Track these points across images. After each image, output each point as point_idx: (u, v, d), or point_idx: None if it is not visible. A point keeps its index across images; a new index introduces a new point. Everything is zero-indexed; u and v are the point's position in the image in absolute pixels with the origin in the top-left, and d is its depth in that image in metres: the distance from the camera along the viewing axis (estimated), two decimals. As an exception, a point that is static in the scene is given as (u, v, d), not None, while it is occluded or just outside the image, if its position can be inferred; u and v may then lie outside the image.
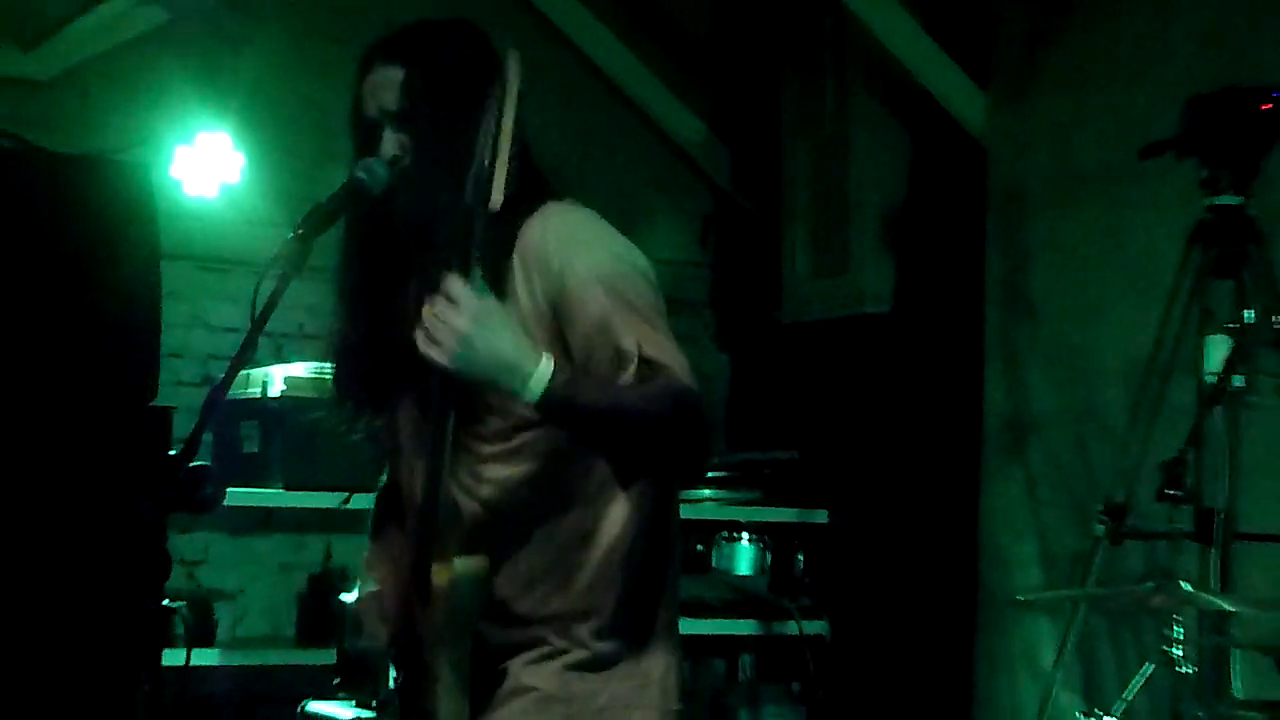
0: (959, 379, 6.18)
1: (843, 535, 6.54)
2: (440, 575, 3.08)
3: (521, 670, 3.15)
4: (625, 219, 6.58)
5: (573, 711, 3.12)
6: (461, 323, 2.85)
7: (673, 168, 7.11)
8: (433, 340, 2.87)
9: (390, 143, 3.16)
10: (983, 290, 6.16)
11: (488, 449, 3.14)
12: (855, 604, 6.46)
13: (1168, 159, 4.88)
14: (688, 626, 6.07)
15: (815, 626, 6.49)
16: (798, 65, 6.91)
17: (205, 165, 5.81)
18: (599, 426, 3.04)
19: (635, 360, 3.01)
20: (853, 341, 6.64)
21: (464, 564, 3.07)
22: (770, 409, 7.00)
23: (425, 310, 2.91)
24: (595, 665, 3.13)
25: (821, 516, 6.57)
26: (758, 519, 6.53)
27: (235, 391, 5.82)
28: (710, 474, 6.45)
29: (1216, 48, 5.36)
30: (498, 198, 2.88)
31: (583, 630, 3.14)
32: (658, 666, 3.18)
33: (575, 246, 3.12)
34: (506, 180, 2.89)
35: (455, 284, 2.86)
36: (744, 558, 6.50)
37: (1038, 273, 6.03)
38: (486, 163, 2.91)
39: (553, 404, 2.92)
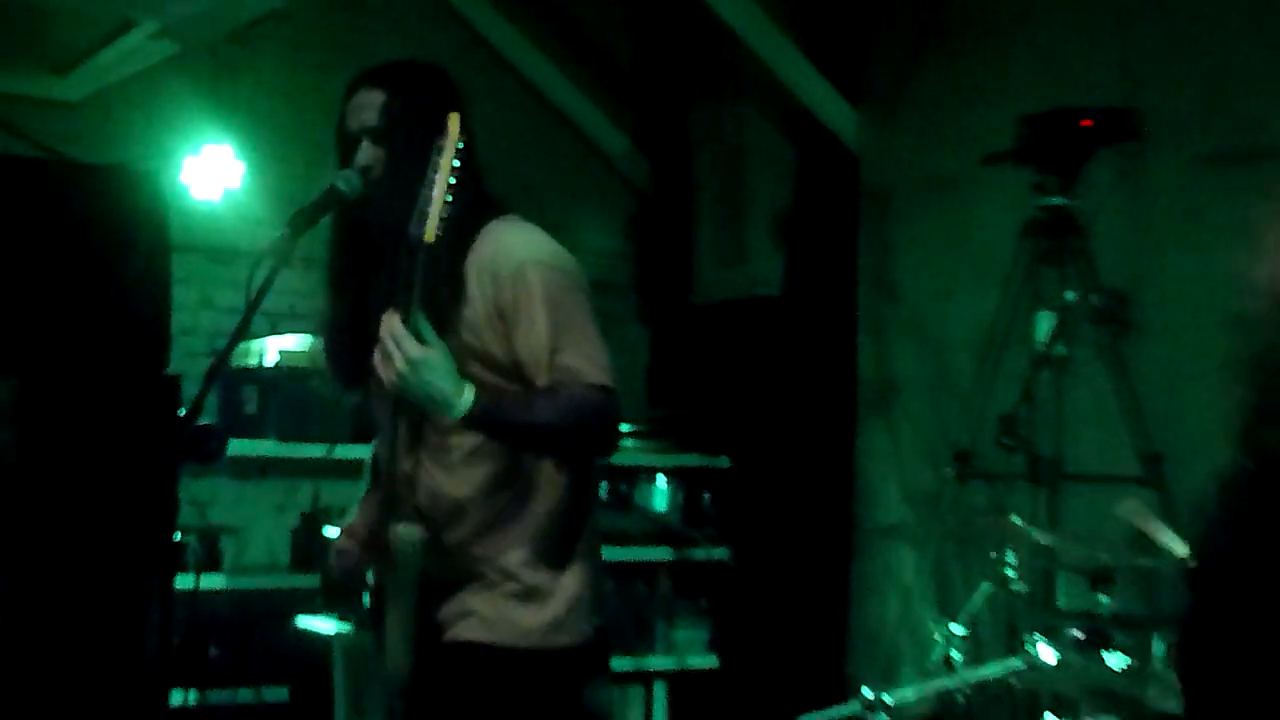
0: (836, 349, 6.21)
1: (742, 477, 6.53)
2: (394, 536, 3.13)
3: (468, 598, 3.16)
4: (564, 218, 6.65)
5: (509, 630, 3.14)
6: (399, 363, 2.90)
7: (602, 175, 7.09)
8: (381, 365, 2.94)
9: (366, 154, 3.16)
10: (855, 276, 6.21)
11: (449, 424, 3.16)
12: (753, 534, 6.45)
13: (1006, 167, 4.94)
14: (615, 554, 6.15)
15: (720, 553, 6.50)
16: (703, 90, 6.93)
17: (210, 173, 5.78)
18: (515, 436, 3.09)
19: (560, 367, 3.05)
20: (749, 319, 6.63)
21: (407, 530, 3.11)
22: (683, 374, 6.98)
23: (381, 331, 2.97)
24: (526, 595, 3.14)
25: (724, 462, 6.55)
26: (672, 464, 6.52)
27: (237, 361, 5.81)
28: (634, 428, 6.47)
29: (1046, 77, 5.39)
30: (432, 235, 2.90)
31: (517, 568, 3.15)
32: (576, 594, 3.20)
33: (519, 261, 3.13)
34: (441, 211, 2.92)
35: (396, 327, 2.91)
36: (660, 496, 6.51)
37: (900, 262, 6.07)
38: (426, 204, 2.94)
39: (473, 424, 2.99)
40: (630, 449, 6.43)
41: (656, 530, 6.46)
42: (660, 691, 6.55)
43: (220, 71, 6.12)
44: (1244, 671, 2.07)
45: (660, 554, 6.48)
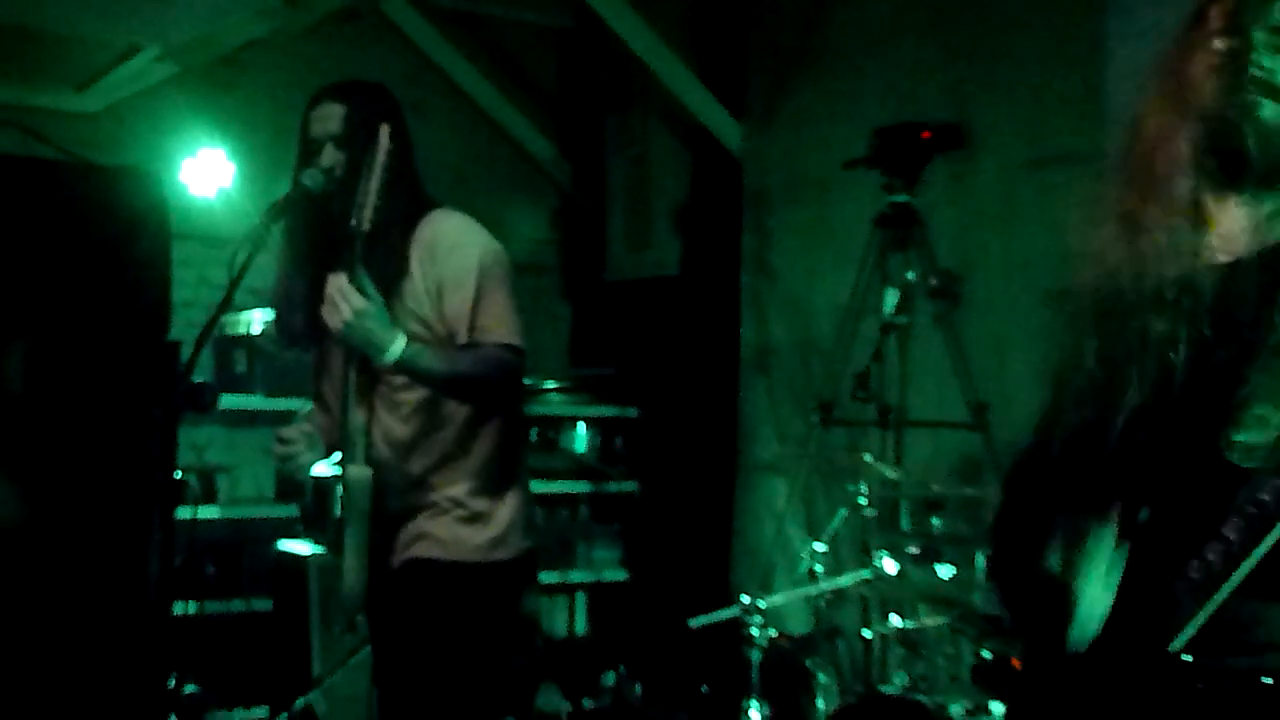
0: (724, 319, 6.19)
1: (648, 424, 6.54)
2: (348, 476, 3.11)
3: (423, 524, 3.18)
4: (499, 211, 6.63)
5: (459, 548, 3.16)
6: (346, 310, 2.91)
7: (531, 176, 7.05)
8: (330, 312, 2.94)
9: (330, 157, 3.16)
10: (739, 260, 6.19)
11: (398, 380, 3.16)
12: (656, 471, 6.47)
13: (861, 170, 4.95)
14: (543, 487, 6.15)
15: (629, 486, 6.52)
16: (615, 106, 6.91)
17: (206, 173, 5.69)
18: (436, 381, 3.11)
19: (478, 328, 3.11)
20: (653, 295, 6.63)
21: (357, 472, 3.10)
22: (599, 340, 6.98)
23: (328, 288, 2.96)
24: (471, 519, 3.16)
25: (633, 412, 6.55)
26: (590, 414, 6.51)
27: (229, 329, 5.76)
28: (559, 384, 6.48)
29: (892, 96, 5.39)
30: (367, 224, 2.99)
31: (464, 497, 3.17)
32: (512, 518, 3.21)
33: (452, 243, 3.16)
34: (375, 205, 3.00)
35: (343, 284, 2.97)
36: (581, 440, 6.52)
37: (775, 248, 6.06)
38: (363, 199, 2.97)
39: (401, 369, 3.04)
40: (555, 401, 6.44)
41: (577, 468, 6.47)
42: (581, 600, 6.57)
43: (214, 88, 6.04)
44: (1029, 576, 2.10)
45: (581, 487, 6.49)
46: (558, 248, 7.16)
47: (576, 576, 6.41)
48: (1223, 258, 1.88)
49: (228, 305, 3.24)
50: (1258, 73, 1.80)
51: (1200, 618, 1.74)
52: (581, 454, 6.51)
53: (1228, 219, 1.88)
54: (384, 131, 3.02)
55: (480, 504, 3.16)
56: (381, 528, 3.12)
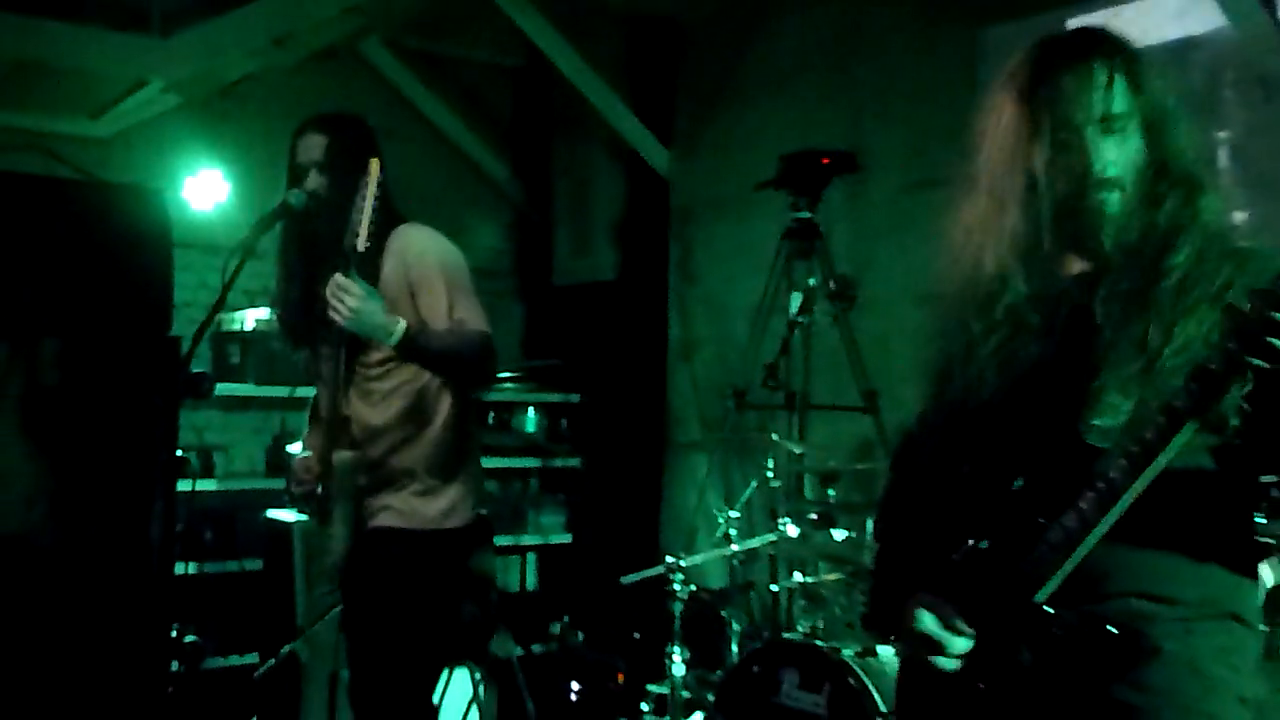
0: (653, 318, 6.22)
1: (589, 409, 6.53)
2: (335, 459, 3.11)
3: (387, 497, 3.17)
4: (461, 225, 6.60)
5: (415, 518, 3.15)
6: (351, 302, 2.89)
7: (489, 194, 7.02)
8: (334, 308, 2.91)
9: (314, 181, 3.16)
10: (667, 267, 6.22)
11: (372, 372, 3.15)
12: (596, 448, 6.47)
13: (770, 191, 4.97)
14: (499, 463, 6.16)
15: (573, 462, 6.50)
16: (563, 134, 6.90)
17: (205, 190, 5.65)
18: (432, 359, 3.10)
19: (455, 320, 3.12)
20: (594, 297, 6.62)
21: (341, 456, 3.10)
22: (546, 335, 6.95)
23: (328, 289, 2.94)
24: (426, 493, 3.16)
25: (576, 398, 6.54)
26: (539, 399, 6.49)
27: (224, 326, 5.72)
28: (512, 373, 6.46)
29: (797, 127, 5.43)
30: (363, 244, 2.96)
31: (421, 474, 3.16)
32: (462, 492, 3.21)
33: (420, 250, 3.16)
34: (369, 228, 2.98)
35: (344, 280, 2.94)
36: (531, 422, 6.50)
37: (698, 257, 6.09)
38: (357, 223, 2.95)
39: (404, 348, 3.02)
40: (509, 389, 6.42)
41: (528, 446, 6.45)
42: (531, 559, 6.54)
43: (212, 116, 5.97)
44: (901, 536, 2.13)
45: (531, 463, 6.47)
46: (511, 256, 7.12)
47: (527, 539, 6.38)
48: (1078, 269, 1.90)
49: (221, 306, 3.25)
50: (1097, 172, 1.80)
51: (1059, 575, 1.77)
52: (532, 434, 6.49)
53: (1077, 264, 1.90)
54: (374, 164, 3.02)
55: (435, 480, 3.16)
56: (357, 501, 3.12)
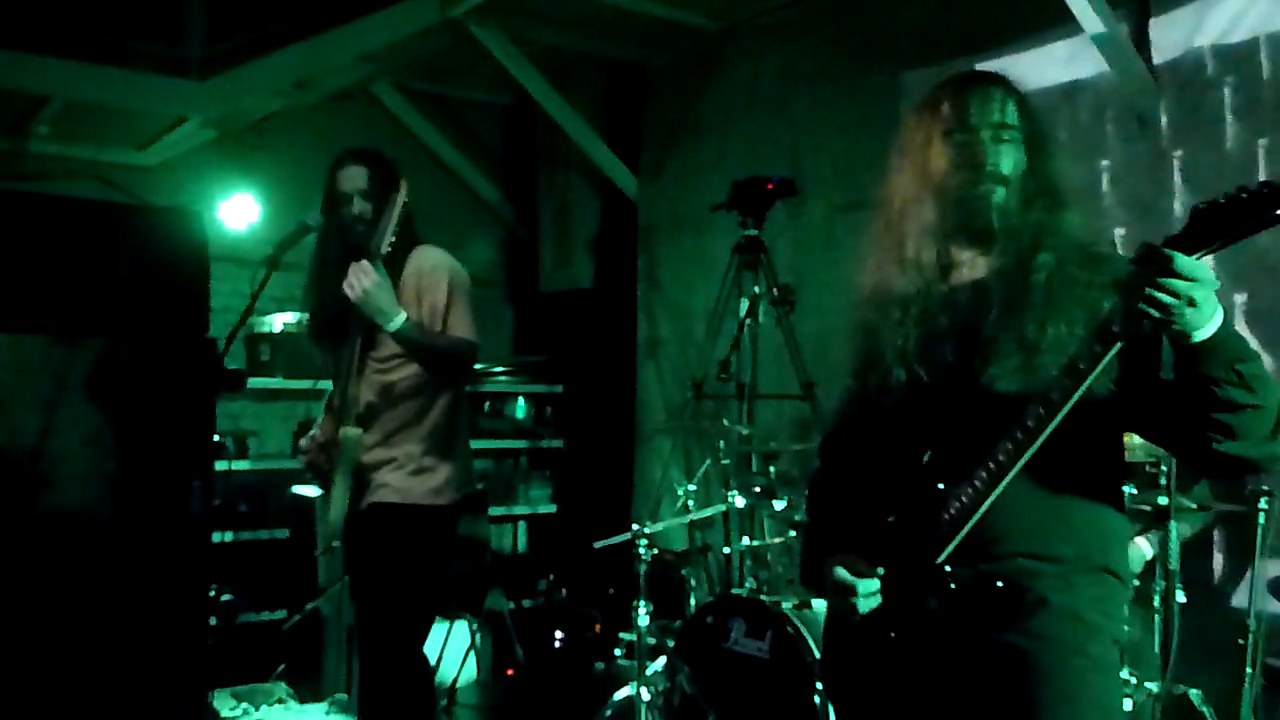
0: (624, 320, 6.18)
1: (571, 398, 6.50)
2: (343, 435, 3.08)
3: (385, 475, 3.14)
4: (459, 241, 6.53)
5: (410, 494, 3.12)
6: (365, 282, 2.89)
7: (484, 215, 6.97)
8: (350, 284, 2.90)
9: (359, 205, 3.14)
10: (636, 276, 6.19)
11: (382, 365, 3.13)
12: (577, 432, 6.44)
13: (723, 212, 4.92)
14: (494, 444, 6.13)
15: (557, 443, 6.47)
16: (546, 163, 6.86)
17: (238, 212, 5.60)
18: (423, 352, 3.08)
19: (450, 324, 3.14)
20: (574, 302, 6.59)
21: (350, 431, 3.07)
22: (534, 335, 6.90)
23: (350, 269, 2.95)
24: (420, 471, 3.12)
25: (560, 389, 6.51)
26: (528, 390, 6.46)
27: (257, 328, 5.67)
28: (505, 367, 6.43)
29: (748, 156, 5.41)
30: (386, 245, 3.01)
31: (416, 455, 3.13)
32: (452, 472, 3.17)
33: (434, 264, 3.17)
34: (392, 239, 3.03)
35: (365, 265, 2.94)
36: (521, 409, 6.46)
37: (662, 269, 6.07)
38: (384, 229, 2.95)
39: (400, 337, 2.97)
40: (502, 380, 6.40)
41: (518, 430, 6.42)
42: (522, 527, 6.54)
43: (244, 148, 5.91)
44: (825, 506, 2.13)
45: (521, 444, 6.44)
46: (503, 267, 7.07)
47: (518, 510, 6.37)
48: (968, 275, 1.90)
49: (250, 311, 3.23)
50: (989, 167, 1.82)
51: (957, 539, 1.76)
52: (521, 419, 6.46)
53: (971, 262, 1.90)
54: (404, 185, 3.06)
55: (429, 461, 3.13)
56: (357, 477, 3.09)
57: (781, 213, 4.98)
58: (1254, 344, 3.83)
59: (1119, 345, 1.61)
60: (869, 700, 1.90)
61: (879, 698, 1.88)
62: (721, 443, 4.31)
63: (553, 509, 6.43)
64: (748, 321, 4.72)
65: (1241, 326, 3.85)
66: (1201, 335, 1.56)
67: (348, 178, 3.16)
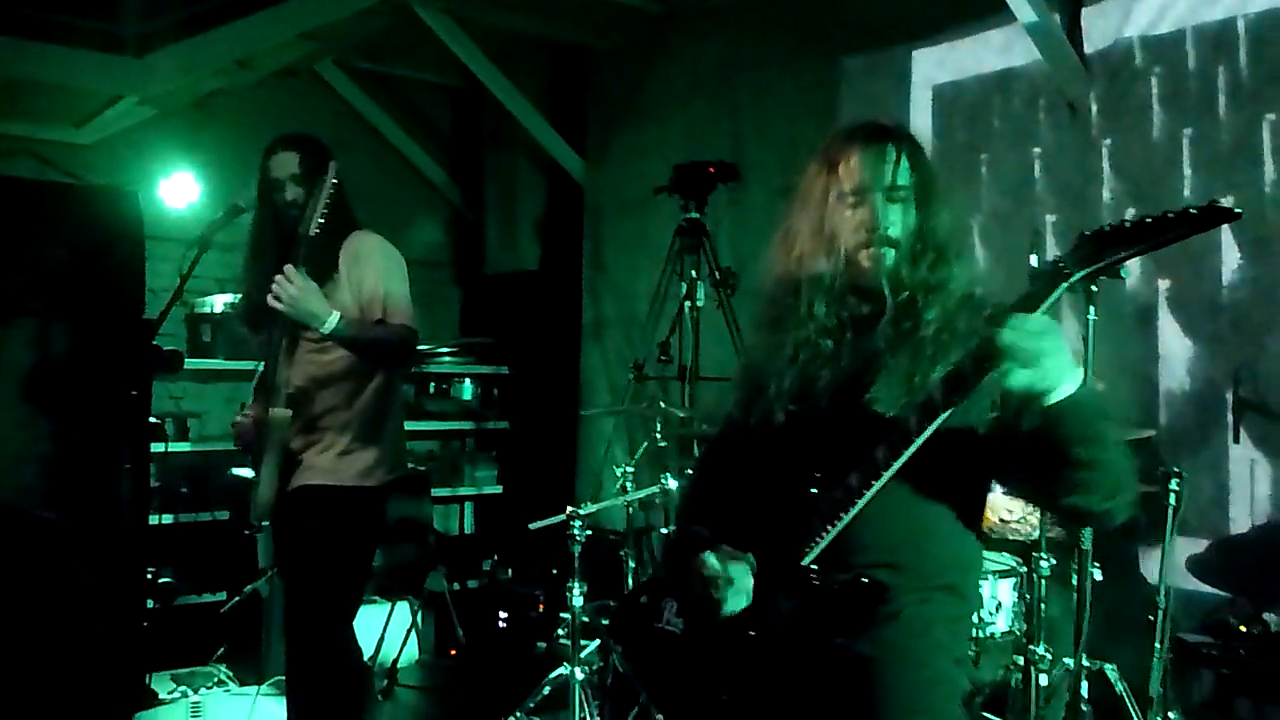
0: (569, 302, 6.20)
1: (516, 379, 6.51)
2: (271, 416, 3.08)
3: (314, 457, 3.14)
4: (407, 222, 6.54)
5: (338, 476, 3.12)
6: (291, 291, 2.89)
7: (431, 197, 6.95)
8: (275, 295, 2.90)
9: (292, 191, 3.13)
10: (581, 258, 6.20)
11: (313, 347, 3.12)
12: (522, 413, 6.46)
13: (666, 195, 4.95)
14: (441, 425, 6.14)
15: (503, 425, 6.48)
16: (493, 145, 6.84)
17: (179, 191, 5.54)
18: (360, 347, 3.09)
19: (388, 312, 3.13)
20: (520, 284, 6.59)
21: (278, 413, 3.07)
22: (480, 316, 6.90)
23: (276, 280, 2.93)
24: (347, 453, 3.13)
25: (506, 370, 6.52)
26: (474, 371, 6.45)
27: (198, 309, 5.63)
28: (451, 348, 6.43)
29: (689, 142, 5.44)
30: (313, 229, 2.99)
31: (345, 438, 3.14)
32: (381, 455, 3.18)
33: (368, 252, 3.16)
34: (320, 222, 3.00)
35: (291, 271, 2.91)
36: (467, 390, 6.43)
37: (607, 251, 6.09)
38: (313, 211, 2.95)
39: (335, 337, 3.01)
40: (448, 361, 6.39)
41: (465, 411, 6.41)
42: (468, 507, 6.55)
43: (186, 126, 5.86)
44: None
45: (467, 425, 6.45)
46: (449, 249, 7.06)
47: (464, 490, 6.37)
48: (857, 330, 1.93)
49: (180, 294, 3.23)
50: (881, 230, 1.87)
51: (821, 544, 1.82)
52: (468, 401, 6.45)
53: (860, 317, 1.93)
54: (333, 166, 3.06)
55: (358, 443, 3.13)
56: (286, 459, 3.10)
57: (723, 196, 5.01)
58: (1176, 329, 3.95)
59: (970, 394, 1.70)
60: (721, 697, 1.95)
61: (731, 695, 1.93)
62: (658, 426, 4.32)
63: (498, 490, 6.44)
64: (688, 304, 4.75)
65: (1165, 313, 3.95)
66: (1057, 396, 1.62)
67: (279, 164, 3.16)
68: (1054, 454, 1.65)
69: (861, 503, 1.77)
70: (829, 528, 1.80)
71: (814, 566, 1.82)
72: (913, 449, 1.73)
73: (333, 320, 2.99)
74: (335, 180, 3.04)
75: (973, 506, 1.91)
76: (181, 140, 5.77)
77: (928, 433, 1.71)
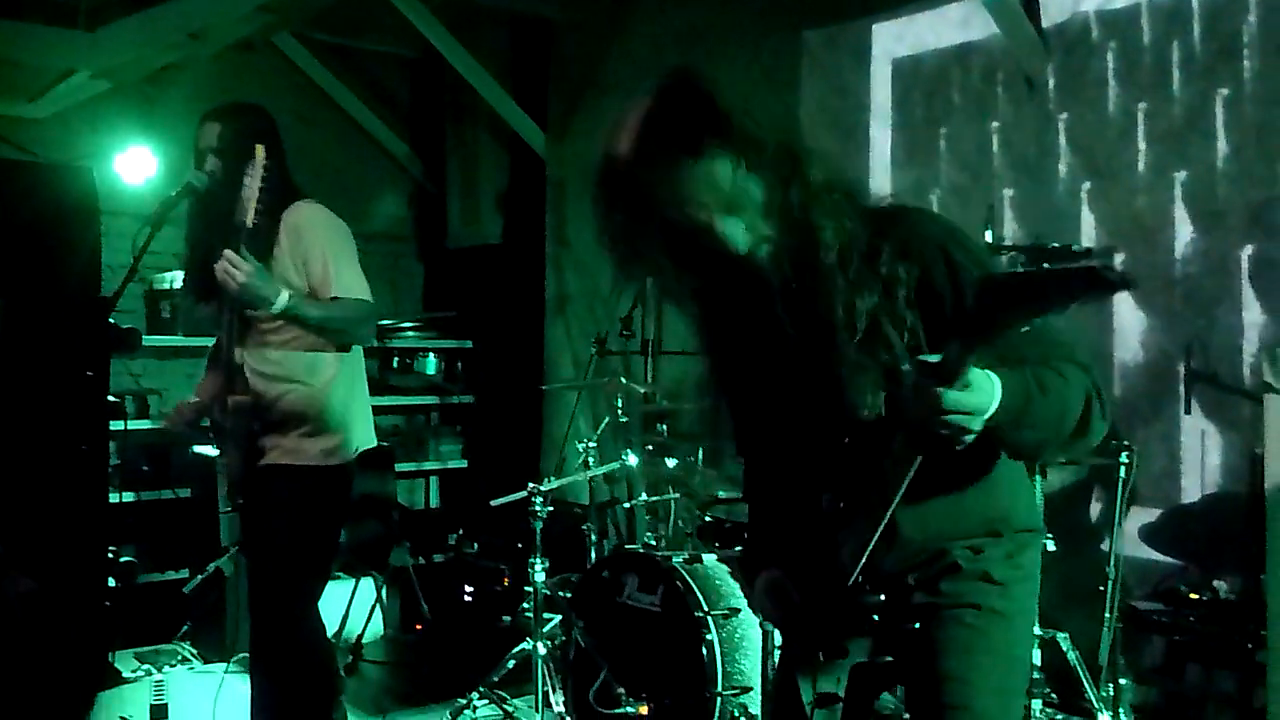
0: (533, 276, 6.16)
1: (481, 354, 6.49)
2: (231, 403, 3.07)
3: (278, 438, 3.12)
4: (368, 196, 6.49)
5: (303, 455, 3.11)
6: (239, 276, 2.86)
7: (391, 170, 6.89)
8: (224, 282, 2.87)
9: (211, 163, 3.08)
10: (544, 233, 6.19)
11: (266, 327, 3.10)
12: (487, 388, 6.45)
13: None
14: (405, 400, 6.13)
15: (467, 399, 6.47)
16: (454, 118, 6.79)
17: (135, 166, 5.46)
18: (316, 323, 3.06)
19: (341, 287, 3.07)
20: (483, 258, 6.55)
21: (237, 400, 3.06)
22: (443, 291, 6.87)
23: (217, 266, 2.89)
24: (312, 433, 3.11)
25: (469, 344, 6.51)
26: (438, 345, 6.44)
27: (157, 285, 5.58)
28: (413, 324, 6.41)
29: (651, 115, 5.43)
30: (250, 220, 2.94)
31: (308, 416, 3.12)
32: (345, 434, 3.17)
33: (310, 224, 3.10)
34: (255, 205, 2.94)
35: (234, 257, 2.89)
36: (431, 365, 6.44)
37: (569, 224, 6.07)
38: (247, 200, 2.91)
39: (286, 317, 2.97)
40: (412, 336, 6.37)
41: (429, 385, 6.41)
42: (434, 482, 6.57)
43: (142, 100, 5.77)
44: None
45: (431, 400, 6.44)
46: (411, 223, 7.01)
47: (429, 465, 6.38)
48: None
49: (134, 273, 3.19)
50: (735, 247, 1.75)
51: (866, 552, 1.75)
52: (432, 375, 6.45)
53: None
54: (260, 150, 2.97)
55: (320, 424, 3.12)
56: (251, 440, 3.08)
57: (685, 170, 4.99)
58: (1130, 303, 3.99)
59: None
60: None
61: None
62: (619, 401, 4.34)
63: (463, 464, 6.44)
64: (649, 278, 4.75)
65: (1119, 285, 3.99)
66: (981, 423, 1.58)
67: (202, 135, 3.11)
68: (1003, 447, 1.68)
69: (885, 519, 1.72)
70: (861, 550, 1.75)
71: (863, 582, 1.78)
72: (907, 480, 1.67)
73: (283, 299, 2.95)
74: (266, 161, 2.97)
75: (990, 450, 1.79)
76: (138, 114, 5.69)
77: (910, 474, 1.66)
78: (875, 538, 1.73)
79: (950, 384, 1.51)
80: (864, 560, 1.75)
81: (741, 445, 2.10)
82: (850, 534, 1.77)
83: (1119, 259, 3.99)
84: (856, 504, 1.78)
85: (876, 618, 1.81)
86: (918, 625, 1.84)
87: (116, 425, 4.76)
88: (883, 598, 1.80)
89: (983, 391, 1.56)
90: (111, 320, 4.15)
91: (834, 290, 1.74)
